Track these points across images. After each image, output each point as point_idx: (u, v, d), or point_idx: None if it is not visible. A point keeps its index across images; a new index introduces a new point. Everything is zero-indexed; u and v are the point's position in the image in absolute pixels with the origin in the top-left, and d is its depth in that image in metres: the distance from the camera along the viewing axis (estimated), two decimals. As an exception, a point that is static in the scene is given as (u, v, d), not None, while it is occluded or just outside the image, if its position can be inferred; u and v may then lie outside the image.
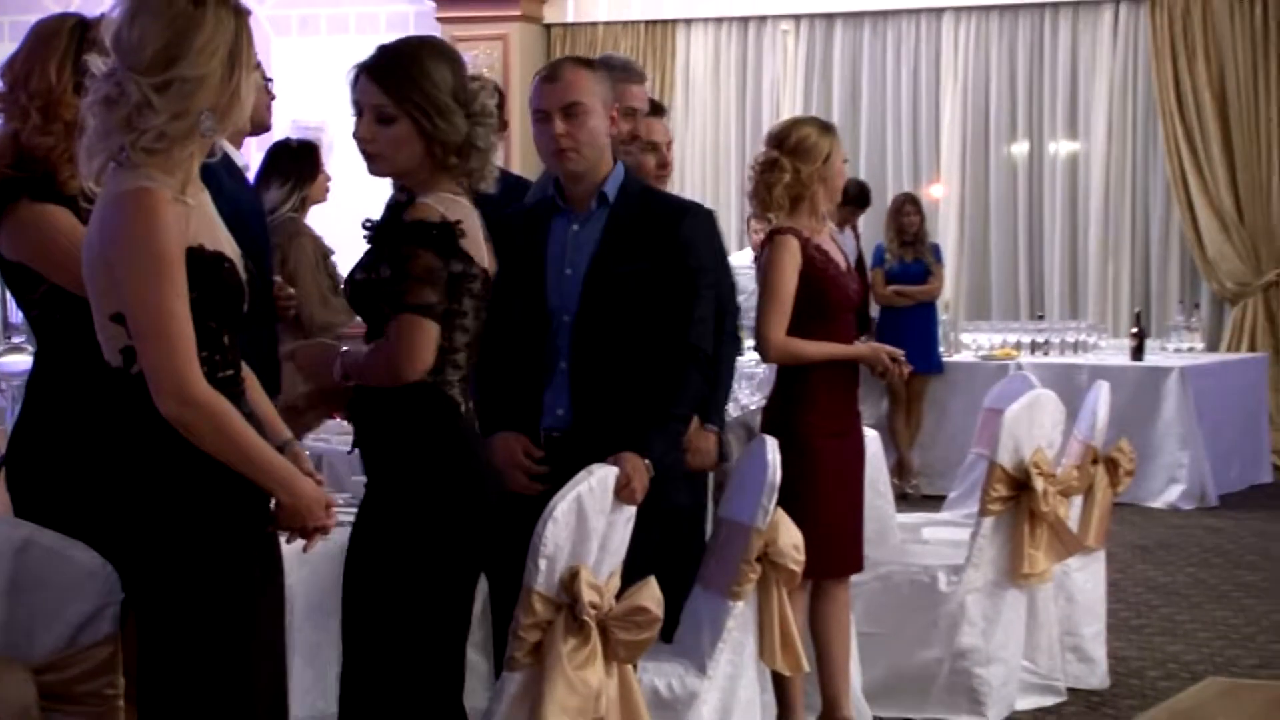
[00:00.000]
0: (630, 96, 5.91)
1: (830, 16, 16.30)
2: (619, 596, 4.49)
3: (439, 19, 16.58)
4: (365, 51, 4.44)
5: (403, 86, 4.27)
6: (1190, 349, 13.67)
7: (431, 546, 4.26)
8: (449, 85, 4.29)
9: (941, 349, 13.14)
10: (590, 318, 5.00)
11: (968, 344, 13.67)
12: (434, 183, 4.31)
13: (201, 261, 3.64)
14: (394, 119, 4.29)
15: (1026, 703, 7.01)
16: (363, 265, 4.40)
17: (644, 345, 4.99)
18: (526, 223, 5.18)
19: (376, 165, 4.39)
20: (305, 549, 3.88)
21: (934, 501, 10.24)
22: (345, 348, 4.56)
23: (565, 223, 5.10)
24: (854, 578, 6.39)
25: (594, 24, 16.75)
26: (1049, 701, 7.10)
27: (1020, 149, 15.99)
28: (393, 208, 4.43)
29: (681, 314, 5.04)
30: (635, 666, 4.68)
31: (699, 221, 5.33)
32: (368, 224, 4.44)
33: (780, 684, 5.86)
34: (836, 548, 6.14)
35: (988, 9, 15.88)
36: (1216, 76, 15.08)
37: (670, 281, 5.02)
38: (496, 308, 4.51)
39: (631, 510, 4.59)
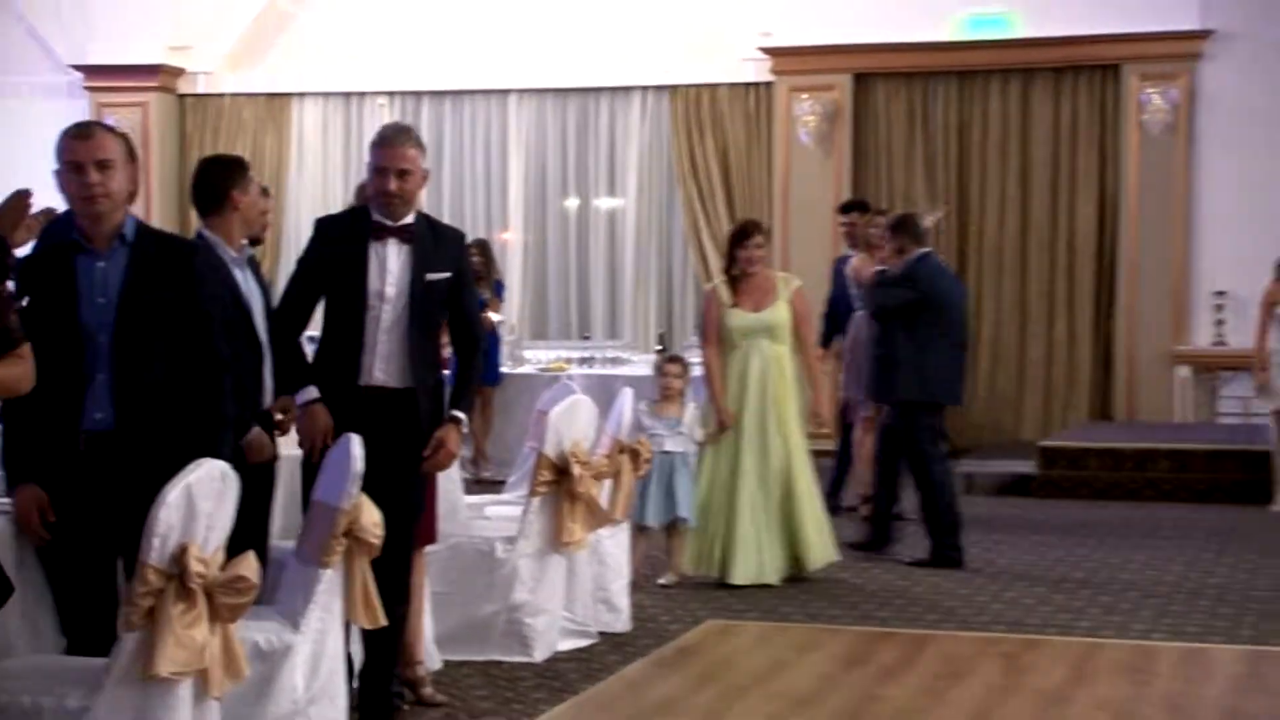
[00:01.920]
0: None
1: (419, 94, 16.33)
2: (224, 567, 4.39)
3: (87, 88, 16.10)
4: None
5: None
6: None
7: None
8: None
9: (505, 364, 13.18)
10: (125, 336, 4.84)
11: (530, 359, 13.75)
12: None
13: None
14: None
15: (566, 644, 7.05)
16: None
17: (175, 359, 4.88)
18: (52, 260, 4.98)
19: None
20: None
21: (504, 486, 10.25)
22: None
23: (90, 260, 4.89)
24: (429, 547, 6.33)
25: (221, 95, 16.42)
26: (584, 643, 7.14)
27: (572, 203, 16.23)
28: None
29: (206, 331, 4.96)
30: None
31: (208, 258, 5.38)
32: None
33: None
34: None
35: (544, 91, 16.09)
36: (722, 149, 15.56)
37: (189, 307, 4.92)
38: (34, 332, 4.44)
39: (234, 496, 4.47)
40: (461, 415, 5.76)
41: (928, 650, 7.08)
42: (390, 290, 5.58)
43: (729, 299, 8.67)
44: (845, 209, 11.23)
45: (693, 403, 8.70)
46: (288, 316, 5.80)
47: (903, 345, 9.32)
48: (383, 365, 5.62)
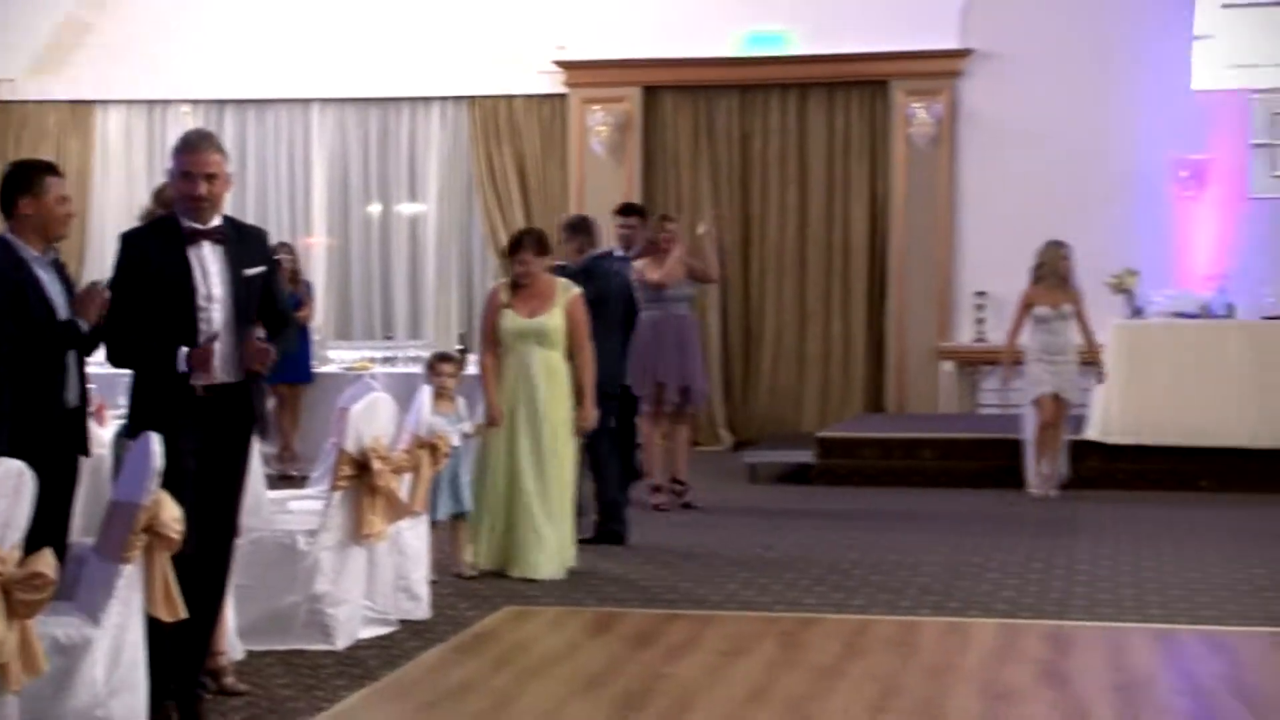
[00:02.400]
0: None
1: (222, 102, 16.04)
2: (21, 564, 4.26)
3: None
4: None
5: None
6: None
7: None
8: None
9: (313, 363, 13.00)
10: None
11: (334, 359, 13.56)
12: None
13: None
14: None
15: (368, 633, 6.95)
16: None
17: None
18: None
19: None
20: None
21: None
22: None
23: None
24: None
25: (24, 102, 16.00)
26: (385, 631, 7.05)
27: (374, 209, 16.09)
28: None
29: None
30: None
31: None
32: None
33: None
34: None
35: (346, 101, 15.91)
36: (518, 157, 15.55)
37: None
38: None
39: (30, 493, 4.33)
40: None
41: (712, 630, 7.12)
42: (216, 290, 5.49)
43: (506, 300, 8.65)
44: (623, 212, 11.24)
45: (462, 398, 8.61)
46: (127, 336, 5.57)
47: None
48: (220, 363, 5.50)
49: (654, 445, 10.95)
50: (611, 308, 9.52)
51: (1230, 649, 6.73)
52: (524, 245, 8.68)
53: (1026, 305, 11.70)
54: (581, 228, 9.89)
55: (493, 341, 8.63)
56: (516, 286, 8.66)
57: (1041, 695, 5.93)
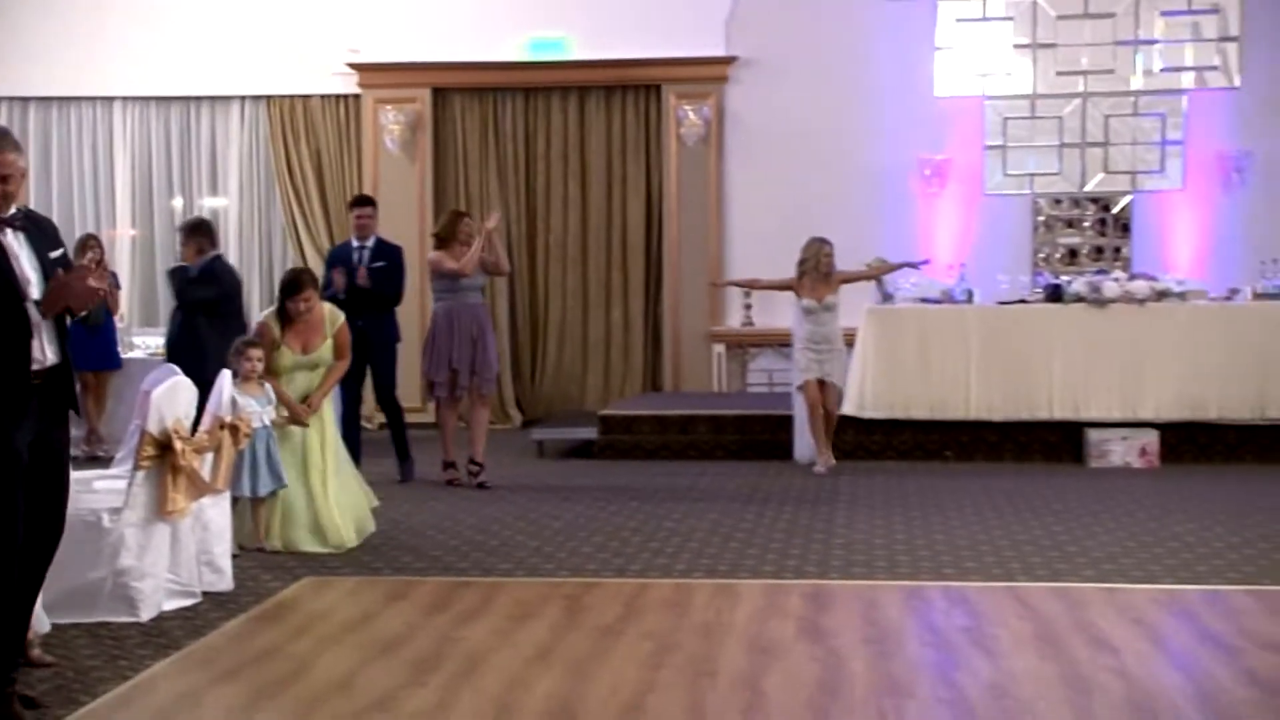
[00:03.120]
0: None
1: (25, 99, 15.51)
2: None
3: None
4: None
5: None
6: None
7: None
8: None
9: (119, 349, 12.66)
10: None
11: (139, 345, 13.25)
12: None
13: None
14: None
15: (172, 605, 6.79)
16: None
17: None
18: None
19: None
20: None
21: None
22: None
23: None
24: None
25: None
26: (189, 603, 6.89)
27: (177, 202, 15.70)
28: None
29: None
30: None
31: None
32: None
33: None
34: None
35: (148, 99, 15.52)
36: (315, 154, 15.32)
37: None
38: None
39: None
40: None
41: (501, 596, 7.10)
42: (32, 275, 5.25)
43: (278, 337, 8.62)
44: (358, 203, 11.32)
45: (268, 383, 8.47)
46: None
47: (207, 334, 9.70)
48: (48, 345, 5.27)
49: (449, 427, 10.89)
50: (233, 304, 10.07)
51: (970, 602, 6.91)
52: (305, 284, 8.66)
53: (790, 290, 11.84)
54: (200, 229, 10.20)
55: (270, 372, 8.50)
56: (286, 319, 8.60)
57: (802, 648, 6.03)
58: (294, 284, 8.66)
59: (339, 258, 11.13)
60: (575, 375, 15.26)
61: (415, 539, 8.73)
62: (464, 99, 15.22)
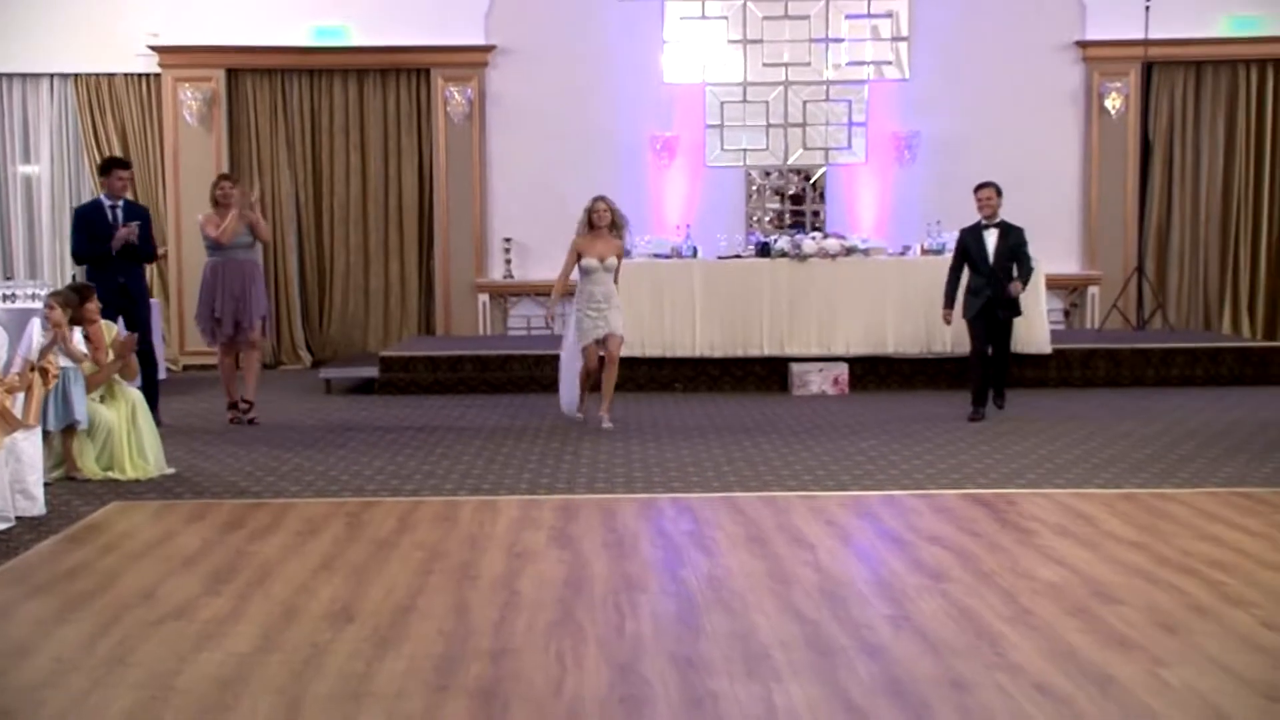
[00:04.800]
0: None
1: None
2: None
3: None
4: None
5: None
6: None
7: None
8: None
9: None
10: None
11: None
12: None
13: None
14: None
15: (-12, 530, 6.44)
16: None
17: None
18: None
19: None
20: None
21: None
22: None
23: None
24: None
25: None
26: (3, 526, 6.54)
27: (-9, 170, 14.80)
28: None
29: None
30: None
31: None
32: None
33: None
34: None
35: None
36: (121, 128, 14.65)
37: None
38: None
39: None
40: None
41: (290, 515, 6.91)
42: None
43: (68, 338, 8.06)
44: (116, 165, 10.10)
45: (78, 329, 8.05)
46: None
47: None
48: None
49: (225, 370, 10.45)
50: None
51: (694, 510, 6.98)
52: (89, 298, 8.19)
53: (577, 255, 9.97)
54: None
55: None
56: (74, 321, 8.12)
57: (552, 553, 6.01)
58: (83, 297, 8.18)
59: (90, 217, 9.98)
60: (359, 321, 14.93)
61: (215, 467, 8.43)
62: (255, 79, 14.65)
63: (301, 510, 7.03)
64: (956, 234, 10.57)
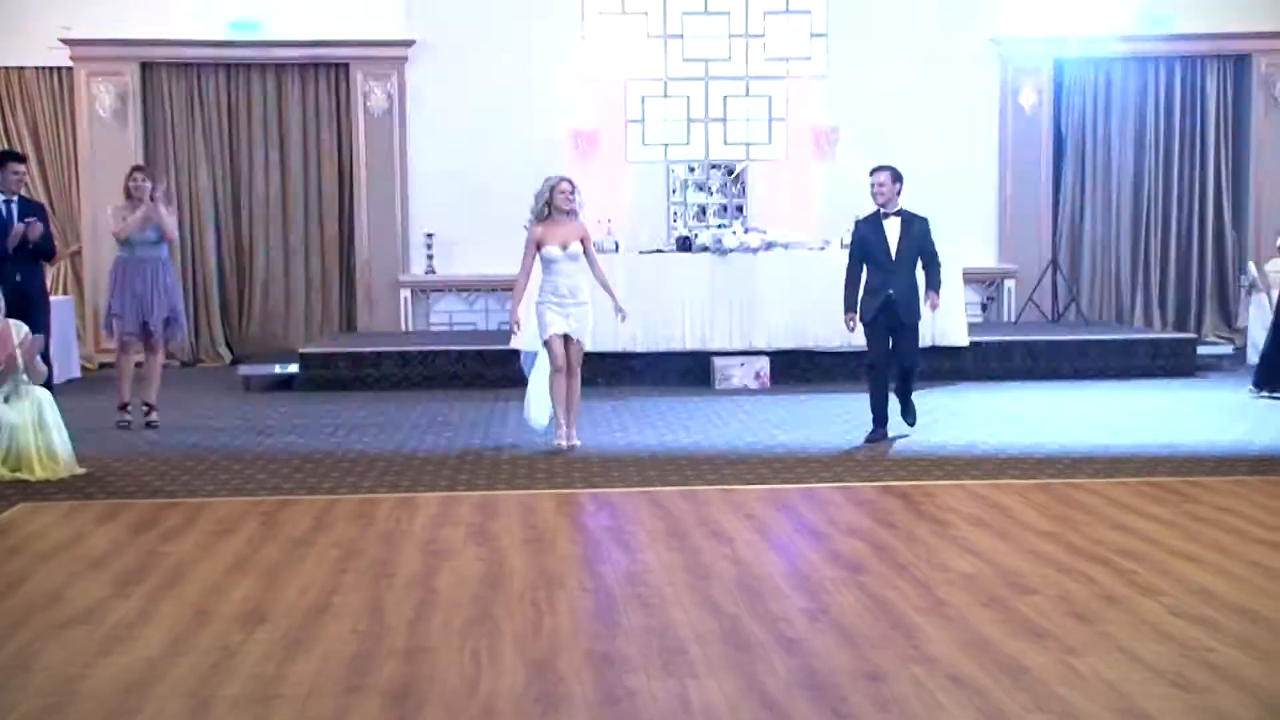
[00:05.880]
0: None
1: None
2: None
3: None
4: None
5: None
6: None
7: None
8: None
9: None
10: None
11: None
12: None
13: None
14: None
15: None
16: None
17: None
18: None
19: None
20: None
21: None
22: None
23: None
24: None
25: None
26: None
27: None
28: None
29: None
30: None
31: None
32: None
33: None
34: None
35: None
36: (32, 122, 14.34)
37: None
38: None
39: None
40: None
41: (204, 514, 6.77)
42: None
43: None
44: (12, 159, 9.83)
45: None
46: None
47: None
48: None
49: (121, 368, 9.97)
50: None
51: (614, 505, 6.94)
52: None
53: (537, 246, 8.76)
54: None
55: None
56: None
57: (470, 550, 5.94)
58: None
59: None
60: (279, 317, 14.72)
61: (128, 467, 8.25)
62: (170, 73, 14.39)
63: (216, 510, 6.89)
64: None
